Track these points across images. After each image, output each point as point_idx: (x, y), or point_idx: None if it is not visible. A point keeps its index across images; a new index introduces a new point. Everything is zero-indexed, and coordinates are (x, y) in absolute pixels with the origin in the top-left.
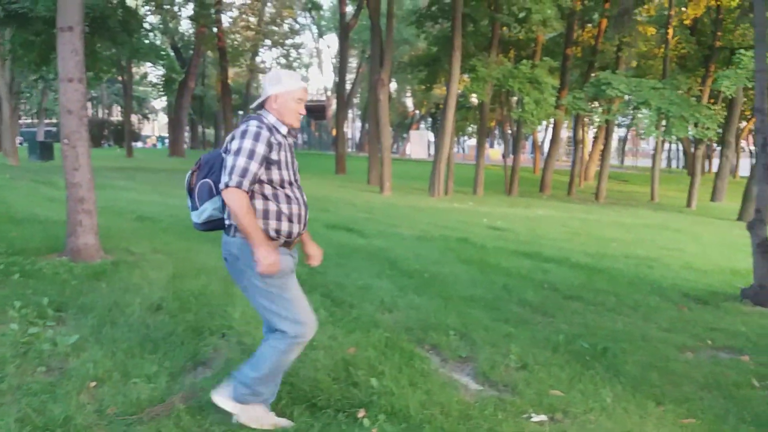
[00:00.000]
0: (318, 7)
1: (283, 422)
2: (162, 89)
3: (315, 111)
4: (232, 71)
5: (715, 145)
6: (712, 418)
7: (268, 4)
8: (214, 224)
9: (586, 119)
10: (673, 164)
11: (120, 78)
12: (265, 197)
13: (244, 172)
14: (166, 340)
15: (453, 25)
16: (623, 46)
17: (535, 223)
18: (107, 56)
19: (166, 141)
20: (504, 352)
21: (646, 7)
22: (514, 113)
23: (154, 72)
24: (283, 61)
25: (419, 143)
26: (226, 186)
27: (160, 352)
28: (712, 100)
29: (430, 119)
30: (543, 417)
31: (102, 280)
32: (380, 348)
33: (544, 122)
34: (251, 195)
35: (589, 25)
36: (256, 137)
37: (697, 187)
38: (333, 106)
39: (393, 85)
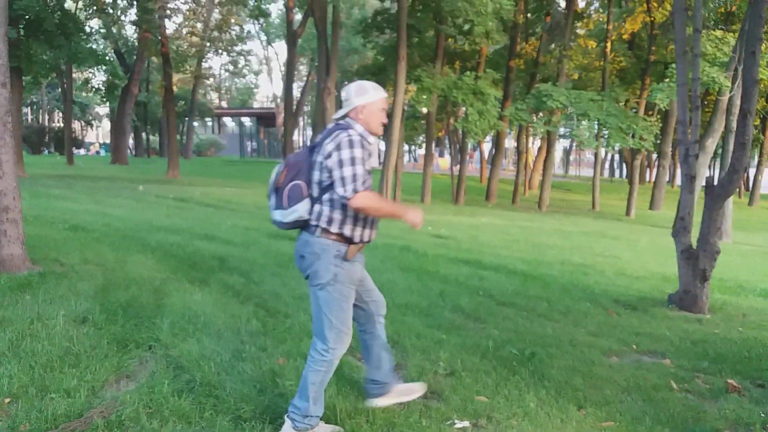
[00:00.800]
0: (265, 15)
1: (336, 428)
2: (104, 95)
3: (264, 118)
4: (177, 77)
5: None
6: (629, 420)
7: (215, 10)
8: (298, 224)
9: (529, 130)
10: (617, 174)
11: (61, 83)
12: None
13: (356, 178)
14: (89, 353)
15: (398, 36)
16: (563, 58)
17: (478, 231)
18: (45, 60)
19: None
20: (434, 358)
21: (585, 21)
22: (458, 124)
23: (96, 77)
24: (231, 68)
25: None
26: (355, 192)
27: (81, 366)
28: (650, 113)
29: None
30: (466, 423)
31: (26, 292)
32: None
33: (491, 133)
34: (341, 202)
35: (533, 38)
36: (361, 145)
37: (636, 196)
38: (283, 113)
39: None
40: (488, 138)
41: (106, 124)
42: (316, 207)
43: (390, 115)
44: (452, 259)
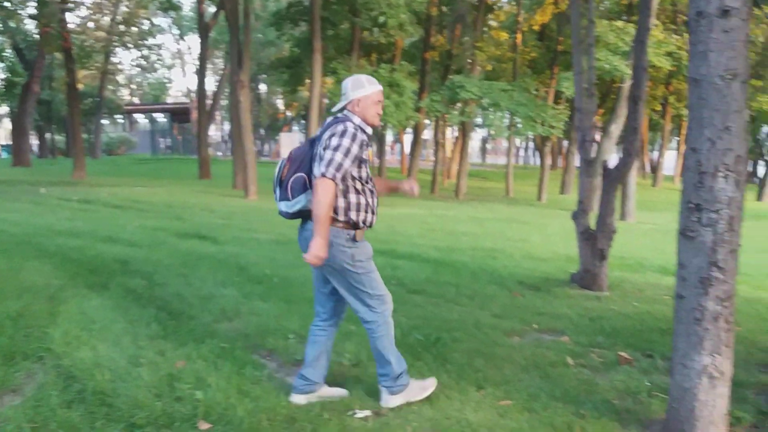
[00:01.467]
0: (176, 7)
1: (430, 381)
2: (3, 94)
3: (178, 114)
4: (82, 73)
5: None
6: (526, 398)
7: (123, 3)
8: (303, 213)
9: (446, 120)
10: (531, 161)
11: None
12: (357, 192)
13: (339, 167)
14: None
15: (312, 28)
16: (475, 50)
17: (396, 221)
18: None
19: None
20: (340, 350)
21: (496, 12)
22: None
23: None
24: (143, 62)
25: (290, 145)
26: (322, 175)
27: None
28: (559, 101)
29: (303, 121)
30: (367, 412)
31: None
32: (211, 359)
33: (409, 124)
34: (346, 189)
35: (446, 30)
36: (353, 138)
37: (546, 182)
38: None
39: (263, 87)
40: (409, 130)
41: (7, 124)
42: None
43: (307, 108)
44: None
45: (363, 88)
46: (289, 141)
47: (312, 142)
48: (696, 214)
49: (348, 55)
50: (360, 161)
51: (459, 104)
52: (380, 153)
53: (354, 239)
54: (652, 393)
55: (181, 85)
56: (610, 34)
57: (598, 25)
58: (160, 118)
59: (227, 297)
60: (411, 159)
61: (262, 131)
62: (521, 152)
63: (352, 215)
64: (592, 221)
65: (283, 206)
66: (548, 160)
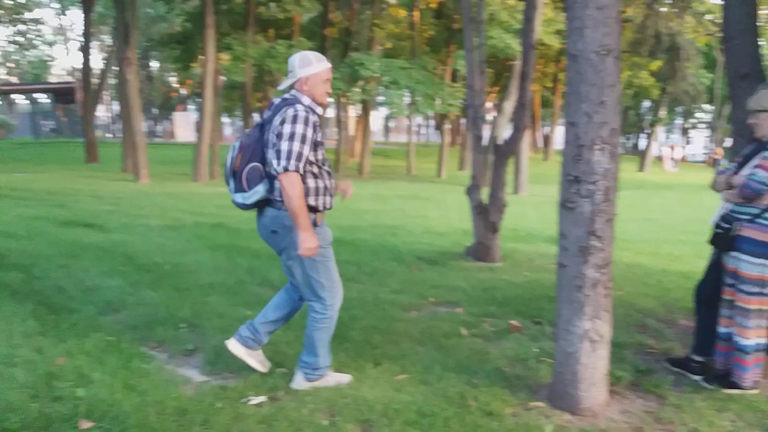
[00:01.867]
0: None
1: (345, 377)
2: None
3: (61, 94)
4: None
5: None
6: (420, 370)
7: None
8: (261, 203)
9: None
10: (433, 139)
11: None
12: (314, 176)
13: (300, 156)
14: None
15: (204, 2)
16: (374, 27)
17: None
18: None
19: None
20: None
21: None
22: (275, 93)
23: None
24: (20, 39)
25: (185, 125)
26: (285, 170)
27: None
28: (458, 79)
29: (199, 99)
30: (262, 398)
31: None
32: (95, 354)
33: None
34: (303, 174)
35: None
36: (306, 122)
37: (446, 158)
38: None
39: (155, 64)
40: None
41: None
42: (278, 183)
43: (203, 86)
44: None
45: (311, 66)
46: (184, 120)
47: (261, 128)
48: (575, 186)
49: (243, 31)
50: (315, 144)
51: (360, 82)
52: None
53: (315, 224)
54: (540, 359)
55: (65, 64)
56: (503, 12)
57: (492, 2)
58: (43, 99)
59: (113, 288)
60: None
61: (154, 111)
62: (423, 130)
63: (311, 200)
64: (485, 196)
65: (239, 198)
66: (448, 138)
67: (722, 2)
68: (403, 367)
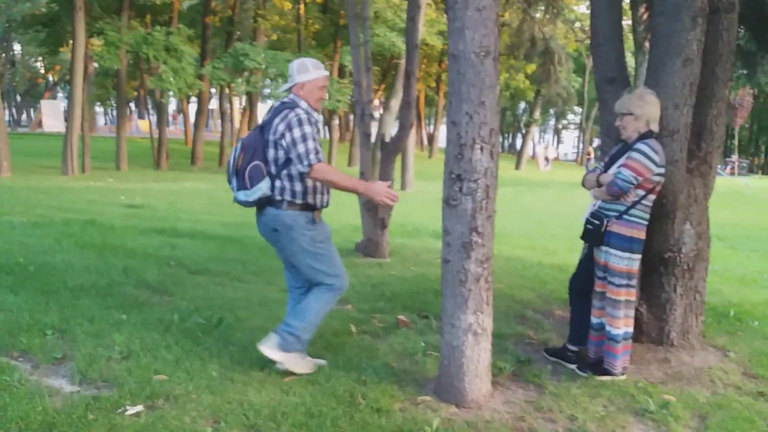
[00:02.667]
0: None
1: (321, 362)
2: None
3: None
4: None
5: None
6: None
7: None
8: (262, 201)
9: (231, 90)
10: (323, 134)
11: None
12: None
13: (316, 150)
14: None
15: None
16: (259, 18)
17: (179, 197)
18: None
19: None
20: (108, 343)
21: None
22: (151, 82)
23: None
24: None
25: (54, 114)
26: (310, 166)
27: None
28: (345, 75)
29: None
30: (139, 407)
31: None
32: None
33: (191, 93)
34: (300, 176)
35: None
36: (309, 122)
37: (335, 154)
38: None
39: (17, 47)
40: (194, 99)
41: None
42: (278, 183)
43: (71, 72)
44: (144, 229)
45: (307, 73)
46: (52, 109)
47: (262, 129)
48: (457, 183)
49: (117, 15)
50: None
51: (245, 73)
52: (160, 123)
53: (313, 221)
54: (427, 353)
55: None
56: (388, 10)
57: (377, 1)
58: None
59: None
60: (195, 130)
61: (18, 98)
62: None
63: (309, 198)
64: None
65: (242, 195)
66: (337, 134)
67: (590, 11)
68: None
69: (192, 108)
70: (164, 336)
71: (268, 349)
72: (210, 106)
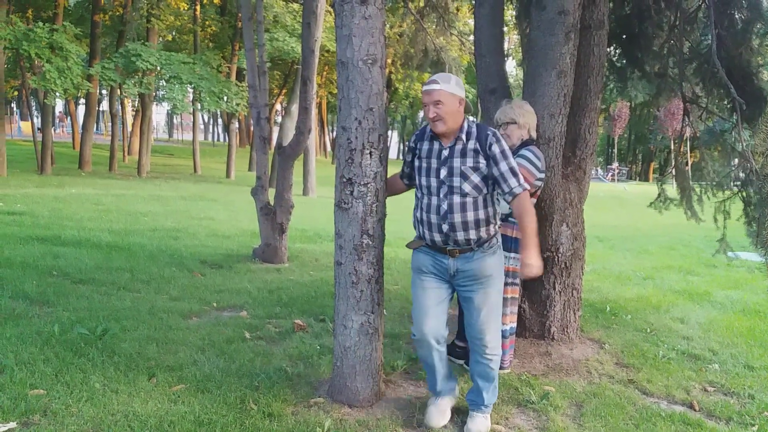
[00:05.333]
0: None
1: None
2: None
3: None
4: None
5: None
6: (200, 379)
7: None
8: None
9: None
10: (221, 138)
11: None
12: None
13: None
14: None
15: None
16: (152, 17)
17: (63, 203)
18: None
19: None
20: None
21: None
22: (33, 81)
23: None
24: None
25: None
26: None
27: None
28: (244, 78)
29: None
30: (12, 424)
31: None
32: None
33: (78, 94)
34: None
35: None
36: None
37: (234, 159)
38: None
39: None
40: (82, 101)
41: None
42: None
43: None
44: (24, 237)
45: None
46: None
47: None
48: (348, 187)
49: None
50: (405, 163)
51: (137, 75)
52: (44, 125)
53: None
54: (322, 355)
55: None
56: (288, 15)
57: (276, 5)
58: None
59: None
60: (83, 133)
61: None
62: (210, 128)
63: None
64: (271, 197)
65: None
66: (236, 137)
67: (473, 25)
68: (180, 377)
69: (81, 110)
70: (42, 349)
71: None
72: (100, 108)
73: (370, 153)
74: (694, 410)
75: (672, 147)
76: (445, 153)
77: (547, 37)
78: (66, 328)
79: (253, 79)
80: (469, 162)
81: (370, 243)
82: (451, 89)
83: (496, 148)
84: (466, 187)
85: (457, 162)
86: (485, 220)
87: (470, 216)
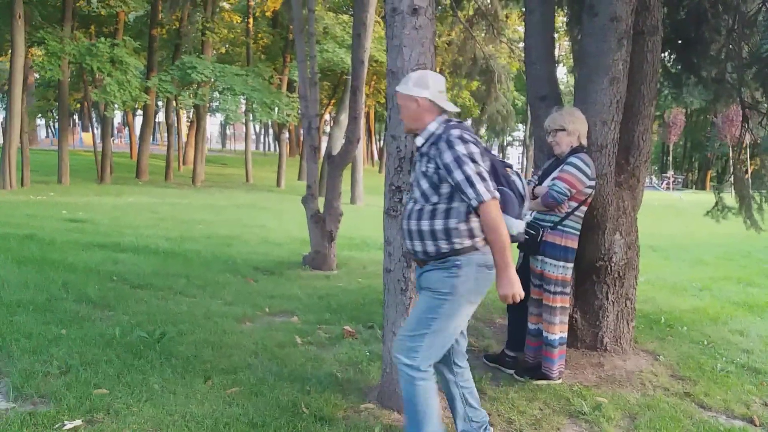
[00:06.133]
0: None
1: None
2: None
3: None
4: None
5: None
6: (254, 382)
7: None
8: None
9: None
10: (271, 148)
11: None
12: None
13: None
14: None
15: None
16: (207, 31)
17: (122, 211)
18: None
19: None
20: (46, 358)
21: None
22: (94, 94)
23: None
24: None
25: None
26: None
27: None
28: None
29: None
30: (78, 422)
31: None
32: None
33: (136, 105)
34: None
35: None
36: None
37: (285, 168)
38: None
39: None
40: (139, 112)
41: None
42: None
43: (9, 83)
44: (85, 244)
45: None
46: None
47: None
48: (397, 195)
49: (59, 25)
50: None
51: (192, 86)
52: (104, 136)
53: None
54: (371, 361)
55: None
56: (337, 27)
57: (326, 17)
58: None
59: None
60: (141, 143)
61: None
62: (262, 138)
63: None
64: (321, 205)
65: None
66: (287, 147)
67: (524, 31)
68: (234, 380)
69: (138, 121)
70: (105, 350)
71: None
72: (156, 119)
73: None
74: (755, 425)
75: (730, 154)
76: (417, 155)
77: (599, 43)
78: (126, 331)
79: (304, 89)
80: (421, 167)
81: None
82: (406, 90)
83: (447, 156)
84: (416, 193)
85: (417, 165)
86: (443, 232)
87: (422, 225)
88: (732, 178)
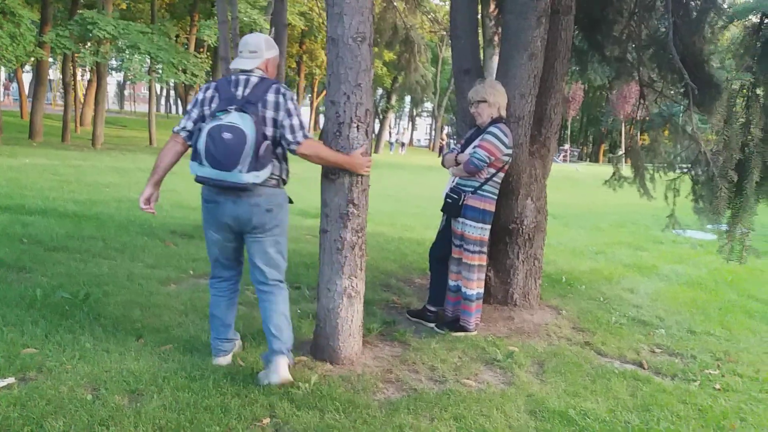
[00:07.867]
0: None
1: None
2: None
3: None
4: None
5: None
6: (187, 339)
7: None
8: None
9: (76, 60)
10: (173, 110)
11: None
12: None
13: (303, 126)
14: None
15: None
16: None
17: (20, 173)
18: None
19: None
20: None
21: None
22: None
23: None
24: None
25: None
26: (306, 137)
27: None
28: (201, 49)
29: None
30: (11, 380)
31: None
32: None
33: (29, 61)
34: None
35: None
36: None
37: None
38: None
39: None
40: (28, 68)
41: None
42: (275, 161)
43: None
44: None
45: (274, 49)
46: None
47: (249, 106)
48: None
49: None
50: None
51: (90, 43)
52: None
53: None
54: (301, 319)
55: None
56: None
57: None
58: None
59: None
60: (34, 102)
61: None
62: (162, 100)
63: (286, 176)
64: None
65: (251, 177)
66: None
67: (449, 5)
68: (167, 338)
69: (27, 77)
70: (28, 311)
71: (286, 372)
72: (49, 77)
73: (357, 126)
74: (644, 368)
75: (623, 129)
76: None
77: (520, 20)
78: (48, 293)
79: (226, 51)
80: None
81: (355, 212)
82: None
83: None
84: None
85: None
86: None
87: None
88: (626, 151)
